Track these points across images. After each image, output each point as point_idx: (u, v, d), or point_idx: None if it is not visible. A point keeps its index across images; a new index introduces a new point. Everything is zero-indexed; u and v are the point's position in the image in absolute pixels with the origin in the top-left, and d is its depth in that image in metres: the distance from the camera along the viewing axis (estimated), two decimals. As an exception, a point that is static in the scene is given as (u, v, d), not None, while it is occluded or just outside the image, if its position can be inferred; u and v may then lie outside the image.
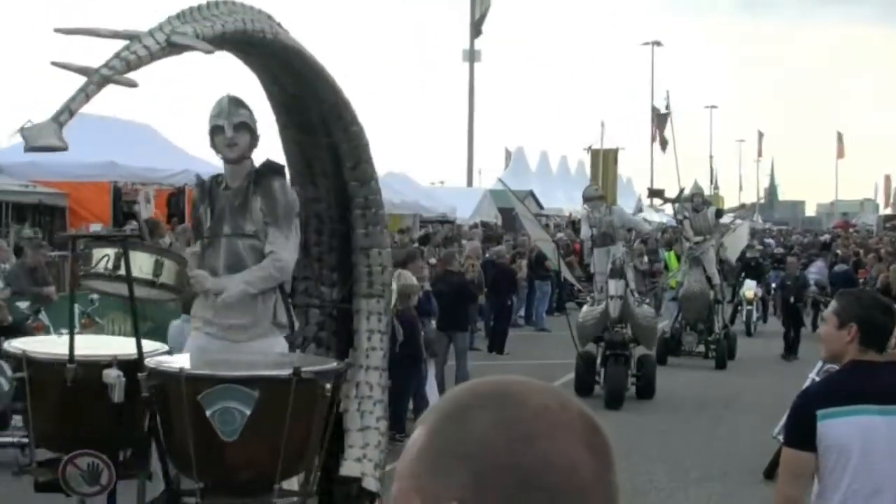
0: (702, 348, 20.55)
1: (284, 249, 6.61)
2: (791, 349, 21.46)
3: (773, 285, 27.59)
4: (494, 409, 1.33)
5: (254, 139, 6.84)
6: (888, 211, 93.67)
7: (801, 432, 4.36)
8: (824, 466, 4.30)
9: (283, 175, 6.80)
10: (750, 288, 25.60)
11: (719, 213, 22.90)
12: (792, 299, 22.26)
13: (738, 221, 24.83)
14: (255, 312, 6.71)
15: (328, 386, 5.93)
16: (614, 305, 15.60)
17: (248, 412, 5.74)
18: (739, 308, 25.75)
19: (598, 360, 16.03)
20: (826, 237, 49.58)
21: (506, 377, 1.40)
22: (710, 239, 20.98)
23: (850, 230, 60.73)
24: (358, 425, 6.57)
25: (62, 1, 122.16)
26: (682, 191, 22.34)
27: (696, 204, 21.47)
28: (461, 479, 1.30)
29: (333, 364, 6.31)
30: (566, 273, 19.24)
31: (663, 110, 27.36)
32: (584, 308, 17.20)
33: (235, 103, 6.86)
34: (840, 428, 4.26)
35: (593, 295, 17.38)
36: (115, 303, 16.05)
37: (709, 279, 20.34)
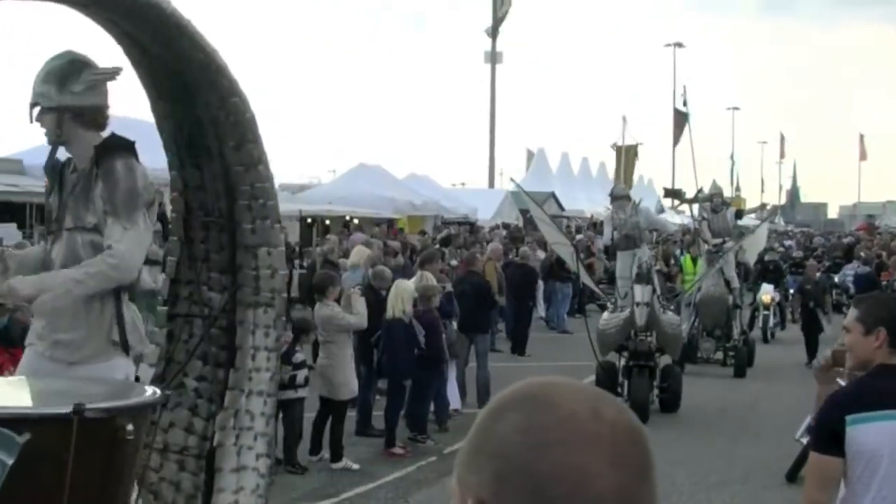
0: (720, 355, 19.74)
1: (122, 243, 5.36)
2: (814, 356, 19.92)
3: (791, 291, 26.59)
4: (523, 411, 1.34)
5: (62, 117, 5.59)
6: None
7: (829, 437, 4.30)
8: (853, 472, 4.25)
9: (129, 152, 5.67)
10: (767, 292, 24.32)
11: (739, 214, 21.92)
12: (811, 304, 21.36)
13: (771, 225, 24.46)
14: (87, 326, 5.44)
15: (130, 427, 4.53)
16: (640, 313, 14.59)
17: (10, 462, 4.28)
18: (756, 313, 24.59)
19: (620, 371, 15.19)
20: (850, 240, 49.20)
21: (553, 379, 1.40)
22: (729, 241, 19.99)
23: (875, 232, 60.24)
24: (233, 464, 5.44)
25: None
26: (699, 191, 21.23)
27: (716, 204, 20.55)
28: (485, 478, 1.32)
29: (145, 396, 4.85)
30: (585, 279, 18.07)
31: (682, 108, 26.75)
32: (605, 315, 15.93)
33: (41, 78, 5.61)
34: (870, 433, 4.21)
35: (614, 300, 16.23)
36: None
37: (727, 283, 19.48)
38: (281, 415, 11.60)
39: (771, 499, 11.11)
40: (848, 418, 4.23)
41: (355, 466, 11.71)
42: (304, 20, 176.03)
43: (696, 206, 21.00)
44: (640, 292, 14.71)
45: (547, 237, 18.95)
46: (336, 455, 11.73)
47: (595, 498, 1.29)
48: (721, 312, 19.46)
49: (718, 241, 19.84)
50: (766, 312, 24.12)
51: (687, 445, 13.14)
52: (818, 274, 23.77)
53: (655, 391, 15.16)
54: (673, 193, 23.62)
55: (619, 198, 17.45)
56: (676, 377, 15.53)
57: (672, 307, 16.91)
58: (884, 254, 31.99)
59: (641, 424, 1.38)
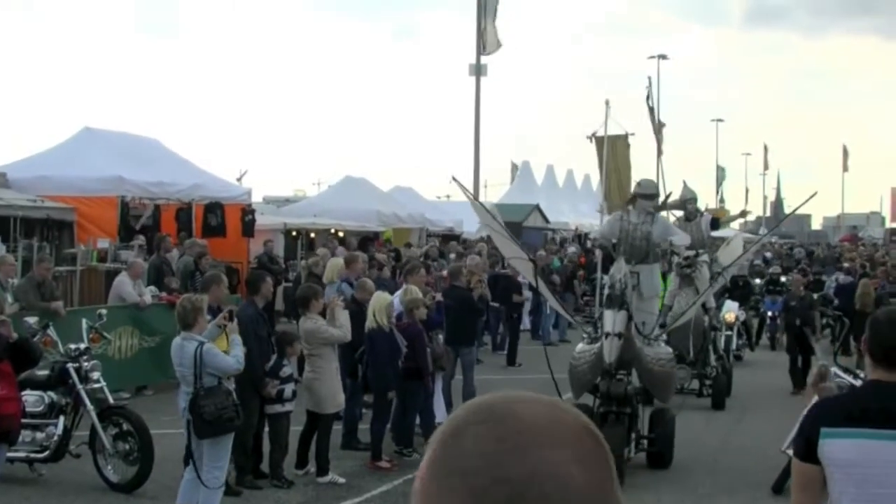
0: (695, 384, 17.29)
1: None
2: (800, 381, 17.98)
3: (770, 313, 25.29)
4: (488, 423, 1.34)
5: None
6: (895, 224, 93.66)
7: (805, 446, 4.35)
8: (828, 482, 4.29)
9: None
10: (731, 310, 21.65)
11: (715, 223, 19.06)
12: (798, 322, 19.52)
13: (748, 235, 23.24)
14: None
15: None
16: (610, 346, 11.56)
17: None
18: (718, 333, 20.57)
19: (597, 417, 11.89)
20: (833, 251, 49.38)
21: (505, 393, 1.41)
22: (704, 254, 17.34)
23: (858, 244, 60.57)
24: None
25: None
26: (668, 196, 17.18)
27: (689, 212, 17.89)
28: (460, 496, 1.30)
29: None
30: (551, 300, 15.12)
31: (647, 102, 25.41)
32: (579, 346, 12.71)
33: None
34: (839, 449, 4.22)
35: (588, 330, 13.02)
36: (123, 317, 16.19)
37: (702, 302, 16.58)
38: (267, 429, 11.60)
39: (757, 511, 11.12)
40: (822, 431, 4.25)
41: (341, 480, 11.68)
42: (287, 31, 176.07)
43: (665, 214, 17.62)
44: (611, 319, 11.74)
45: (503, 251, 15.64)
46: (322, 469, 11.70)
47: (575, 495, 1.30)
48: (697, 336, 17.01)
49: (691, 252, 17.20)
50: (728, 333, 21.06)
51: (674, 457, 13.12)
52: (803, 289, 21.85)
53: (643, 442, 12.67)
54: (636, 199, 20.02)
55: (649, 197, 13.81)
56: (668, 424, 12.76)
57: (663, 336, 13.50)
58: (868, 265, 32.10)
59: (595, 427, 1.39)
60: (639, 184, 14.16)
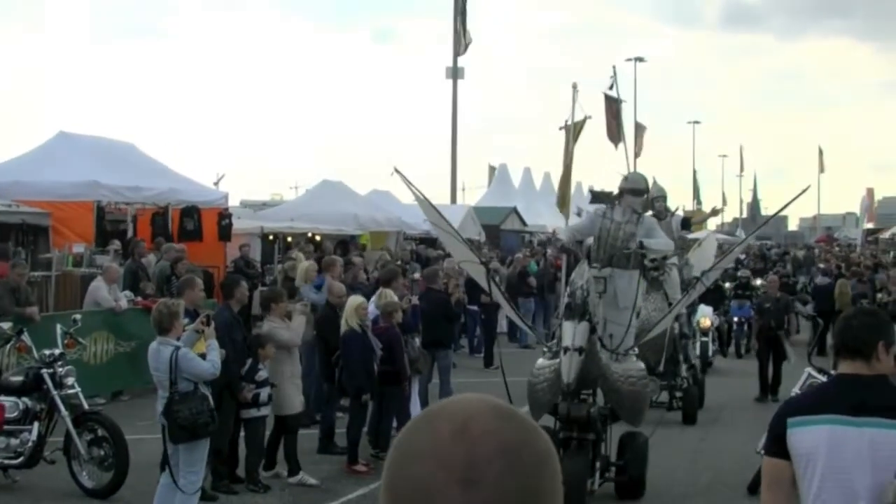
0: (664, 397, 16.24)
1: None
2: (770, 388, 18.00)
3: (736, 318, 24.38)
4: (405, 431, 1.40)
5: None
6: (871, 225, 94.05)
7: (774, 440, 4.43)
8: (797, 473, 4.35)
9: None
10: (706, 315, 20.49)
11: (686, 223, 17.88)
12: (772, 323, 18.71)
13: (721, 236, 22.77)
14: None
15: None
16: (569, 363, 10.05)
17: None
18: (691, 340, 18.94)
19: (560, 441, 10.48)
20: (804, 252, 49.54)
21: (459, 396, 1.43)
22: (673, 256, 15.28)
23: (834, 245, 60.92)
24: None
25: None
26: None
27: (658, 210, 16.27)
28: (383, 495, 1.38)
29: None
30: (505, 307, 13.07)
31: (610, 92, 23.56)
32: (539, 360, 11.09)
33: None
34: (806, 437, 4.31)
35: (549, 343, 11.37)
36: (99, 322, 16.13)
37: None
38: (243, 433, 11.58)
39: (733, 511, 11.15)
40: (788, 421, 4.34)
41: (312, 481, 11.67)
42: (264, 35, 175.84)
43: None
44: (570, 332, 10.22)
45: (453, 254, 13.66)
46: (292, 470, 11.71)
47: None
48: (666, 345, 15.18)
49: (659, 254, 14.95)
50: (704, 339, 19.94)
51: (650, 459, 13.15)
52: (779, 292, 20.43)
53: (610, 469, 11.23)
54: (602, 197, 17.84)
55: (638, 192, 12.11)
56: (639, 450, 11.25)
57: (635, 351, 11.42)
58: (843, 265, 32.28)
59: (529, 442, 1.35)
60: (625, 178, 12.39)
